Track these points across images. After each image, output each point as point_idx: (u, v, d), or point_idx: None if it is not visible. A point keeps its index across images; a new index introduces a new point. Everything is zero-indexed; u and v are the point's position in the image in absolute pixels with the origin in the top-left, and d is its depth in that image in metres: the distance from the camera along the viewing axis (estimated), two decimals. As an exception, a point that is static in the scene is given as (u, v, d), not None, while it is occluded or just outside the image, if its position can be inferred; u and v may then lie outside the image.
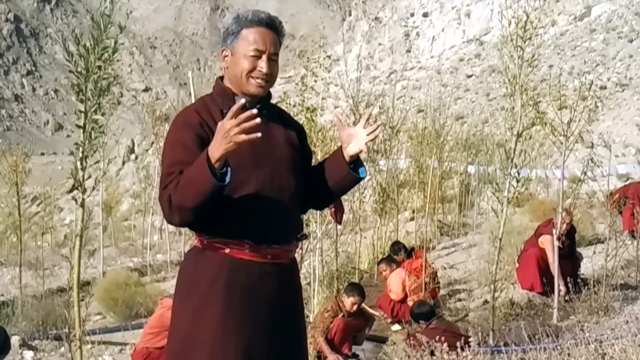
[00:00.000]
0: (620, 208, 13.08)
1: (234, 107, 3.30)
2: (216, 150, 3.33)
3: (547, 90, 11.26)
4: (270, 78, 3.79)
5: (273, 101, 4.07)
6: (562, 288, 10.76)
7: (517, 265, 12.15)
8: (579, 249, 12.72)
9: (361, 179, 3.99)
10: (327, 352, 9.66)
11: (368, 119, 3.89)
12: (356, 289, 10.00)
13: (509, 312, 10.82)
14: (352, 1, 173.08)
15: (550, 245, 11.22)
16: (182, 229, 23.45)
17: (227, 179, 3.39)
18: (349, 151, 3.85)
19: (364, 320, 10.24)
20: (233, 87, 3.82)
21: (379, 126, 3.88)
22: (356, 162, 3.93)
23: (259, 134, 3.29)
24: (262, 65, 3.73)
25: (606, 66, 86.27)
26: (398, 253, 13.17)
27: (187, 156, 3.53)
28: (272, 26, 3.82)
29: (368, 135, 3.82)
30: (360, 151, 3.84)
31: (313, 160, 4.25)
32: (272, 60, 3.78)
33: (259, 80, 3.75)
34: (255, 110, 3.34)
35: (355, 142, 3.83)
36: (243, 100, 3.37)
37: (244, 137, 3.26)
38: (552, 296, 10.52)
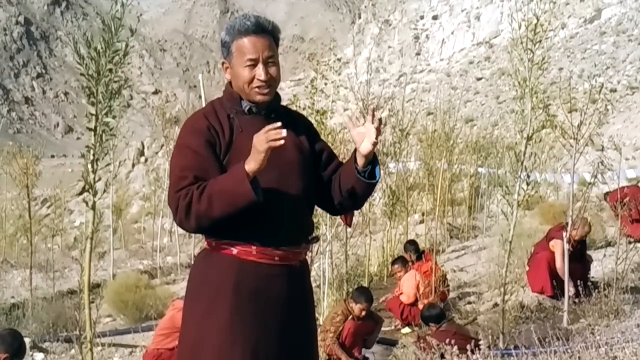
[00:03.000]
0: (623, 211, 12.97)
1: (267, 127, 3.47)
2: (249, 163, 3.49)
3: (557, 93, 11.21)
4: (272, 82, 3.81)
5: (282, 104, 4.07)
6: (572, 289, 10.74)
7: (527, 268, 12.12)
8: (589, 252, 12.68)
9: (373, 184, 3.96)
10: (343, 357, 9.67)
11: (374, 115, 3.86)
12: (363, 294, 9.96)
13: (519, 315, 10.79)
14: (362, 4, 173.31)
15: (560, 249, 11.20)
16: (192, 231, 23.49)
17: (260, 195, 3.52)
18: (362, 150, 3.82)
19: (374, 323, 10.23)
20: (240, 93, 3.85)
21: (380, 120, 3.86)
22: (373, 161, 3.91)
23: (282, 141, 3.45)
24: (259, 72, 3.76)
25: (616, 69, 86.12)
26: (408, 251, 13.14)
27: (198, 162, 3.62)
28: (261, 31, 3.81)
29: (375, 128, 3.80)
30: (373, 147, 3.81)
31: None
32: (270, 64, 3.79)
33: (260, 89, 3.78)
34: (279, 123, 3.48)
35: (367, 139, 3.81)
36: (279, 124, 3.49)
37: (268, 145, 3.43)
38: (562, 299, 10.50)
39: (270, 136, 3.41)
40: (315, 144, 4.07)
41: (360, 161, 3.85)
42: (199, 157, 3.64)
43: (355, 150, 3.90)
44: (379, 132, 3.81)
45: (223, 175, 3.58)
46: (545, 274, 11.56)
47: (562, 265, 10.88)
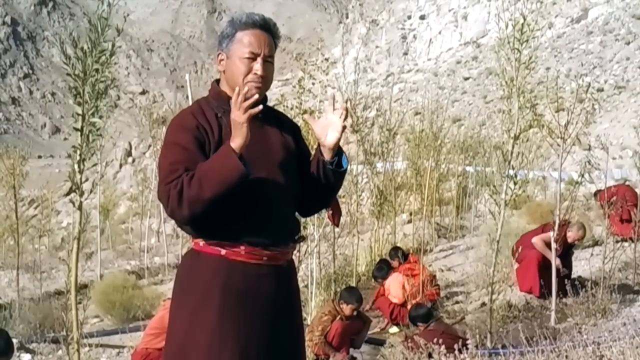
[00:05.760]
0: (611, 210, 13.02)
1: (234, 98, 3.47)
2: (233, 140, 3.50)
3: (544, 93, 11.24)
4: (265, 81, 3.80)
5: (270, 104, 4.07)
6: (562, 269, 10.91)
7: (514, 262, 12.13)
8: (576, 251, 12.70)
9: (342, 172, 3.96)
10: (331, 353, 9.67)
11: (334, 105, 3.86)
12: (354, 295, 9.98)
13: (507, 315, 10.82)
14: (349, 4, 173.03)
15: (540, 242, 11.34)
16: (180, 231, 23.47)
17: (249, 170, 3.50)
18: (328, 142, 3.82)
19: (362, 322, 10.24)
20: (229, 90, 3.82)
21: (345, 107, 3.85)
22: (339, 153, 3.90)
23: (260, 107, 3.48)
24: (257, 67, 3.75)
25: (603, 68, 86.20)
26: (394, 258, 13.12)
27: (187, 156, 3.61)
28: (266, 28, 3.83)
29: (340, 117, 3.80)
30: (340, 135, 3.81)
31: None
32: (268, 62, 3.80)
33: (254, 84, 3.75)
34: (252, 90, 3.57)
35: (331, 131, 3.81)
36: (246, 89, 3.52)
37: (246, 115, 3.44)
38: (550, 298, 10.53)
39: (244, 105, 3.44)
40: (300, 146, 4.08)
41: (327, 154, 3.86)
42: (188, 153, 3.62)
43: (319, 145, 3.89)
44: (345, 117, 3.81)
45: (211, 157, 3.58)
46: (535, 273, 11.58)
47: (539, 240, 11.10)
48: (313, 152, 4.02)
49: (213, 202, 3.52)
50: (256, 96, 3.47)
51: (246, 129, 3.46)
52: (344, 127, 3.81)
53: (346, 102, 3.87)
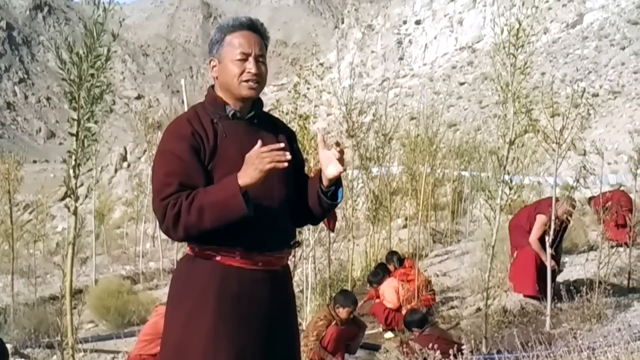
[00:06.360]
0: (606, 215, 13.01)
1: (270, 146, 3.45)
2: (243, 178, 3.46)
3: (540, 98, 11.24)
4: (260, 79, 3.80)
5: (265, 108, 4.07)
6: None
7: (512, 257, 12.09)
8: (572, 256, 12.69)
9: (334, 205, 3.96)
10: (326, 358, 9.65)
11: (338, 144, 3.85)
12: (349, 298, 9.96)
13: (502, 320, 10.80)
14: (345, 9, 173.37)
15: (540, 223, 11.32)
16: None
17: (251, 209, 3.50)
18: (328, 174, 3.80)
19: (357, 328, 10.21)
20: (224, 95, 3.83)
21: (342, 151, 3.82)
22: (336, 183, 3.89)
23: (286, 164, 3.44)
24: (250, 66, 3.75)
25: (598, 74, 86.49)
26: (390, 263, 13.11)
27: (182, 167, 3.60)
28: (254, 29, 3.84)
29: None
30: (336, 176, 3.80)
31: (306, 169, 4.24)
32: (260, 62, 3.80)
33: (249, 83, 3.76)
34: (283, 145, 3.48)
35: (334, 164, 3.79)
36: (282, 145, 3.49)
37: (271, 165, 3.41)
38: (545, 303, 10.52)
39: (274, 157, 3.41)
40: (295, 152, 4.08)
41: (325, 182, 3.85)
42: (183, 163, 3.61)
43: (320, 170, 3.89)
44: (341, 162, 3.79)
45: (214, 186, 3.56)
46: (532, 273, 11.52)
47: (535, 239, 11.06)
48: (311, 165, 4.03)
49: (210, 231, 3.54)
50: (288, 159, 3.45)
51: (262, 178, 3.45)
52: (344, 169, 3.82)
53: (340, 152, 3.83)
